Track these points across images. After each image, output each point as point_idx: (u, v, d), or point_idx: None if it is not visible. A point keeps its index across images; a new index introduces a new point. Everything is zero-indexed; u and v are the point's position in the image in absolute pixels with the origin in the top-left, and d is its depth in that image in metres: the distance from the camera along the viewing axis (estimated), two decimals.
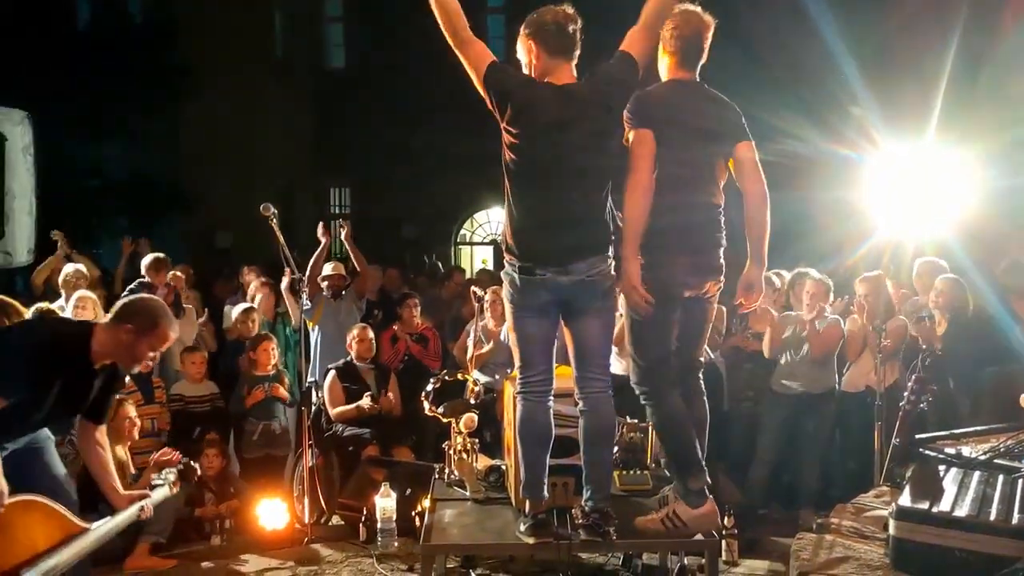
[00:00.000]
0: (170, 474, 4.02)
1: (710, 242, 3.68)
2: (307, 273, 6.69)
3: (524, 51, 3.60)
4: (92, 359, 3.67)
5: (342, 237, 7.46)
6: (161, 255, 7.14)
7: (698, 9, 3.69)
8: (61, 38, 15.01)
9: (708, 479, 3.74)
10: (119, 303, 3.78)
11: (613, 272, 3.62)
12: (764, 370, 6.33)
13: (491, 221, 20.05)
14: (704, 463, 3.74)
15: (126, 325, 3.62)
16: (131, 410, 5.64)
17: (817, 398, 6.04)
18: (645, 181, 3.51)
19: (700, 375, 3.87)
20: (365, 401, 6.35)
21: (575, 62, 3.59)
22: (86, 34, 16.61)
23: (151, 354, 3.71)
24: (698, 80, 3.72)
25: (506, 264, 3.63)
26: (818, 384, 6.03)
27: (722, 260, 3.72)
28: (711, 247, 3.68)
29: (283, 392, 6.47)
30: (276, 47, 18.51)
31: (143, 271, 7.03)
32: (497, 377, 6.37)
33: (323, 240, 7.02)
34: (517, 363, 3.73)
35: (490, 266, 16.04)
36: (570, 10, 3.56)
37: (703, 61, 3.72)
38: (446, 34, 3.51)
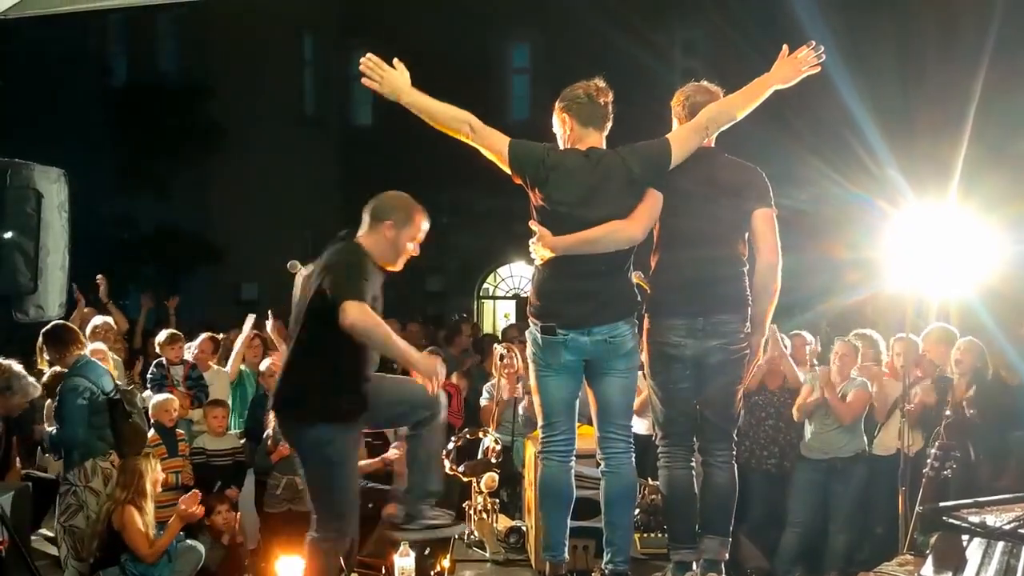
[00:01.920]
0: None
1: (716, 302, 3.63)
2: None
3: (559, 123, 3.72)
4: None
5: None
6: (174, 331, 7.09)
7: (705, 83, 3.77)
8: (98, 94, 15.46)
9: (694, 557, 3.72)
10: (372, 204, 3.85)
11: (636, 332, 3.66)
12: (787, 425, 6.26)
13: (514, 276, 20.13)
14: (722, 536, 3.73)
15: (386, 223, 3.74)
16: (156, 464, 5.67)
17: (847, 462, 5.97)
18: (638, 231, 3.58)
19: (732, 444, 3.79)
20: (391, 452, 6.35)
21: (606, 133, 3.68)
22: (121, 91, 17.08)
23: (411, 246, 3.81)
24: (715, 147, 3.77)
25: (530, 323, 3.69)
26: (847, 448, 5.97)
27: (736, 321, 3.65)
28: (716, 308, 3.63)
29: None
30: (305, 105, 18.90)
31: (157, 347, 6.96)
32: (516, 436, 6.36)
33: None
34: (540, 422, 3.75)
35: (513, 320, 16.06)
36: (602, 83, 3.68)
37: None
38: (459, 137, 3.62)
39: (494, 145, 3.61)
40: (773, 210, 3.70)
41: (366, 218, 3.80)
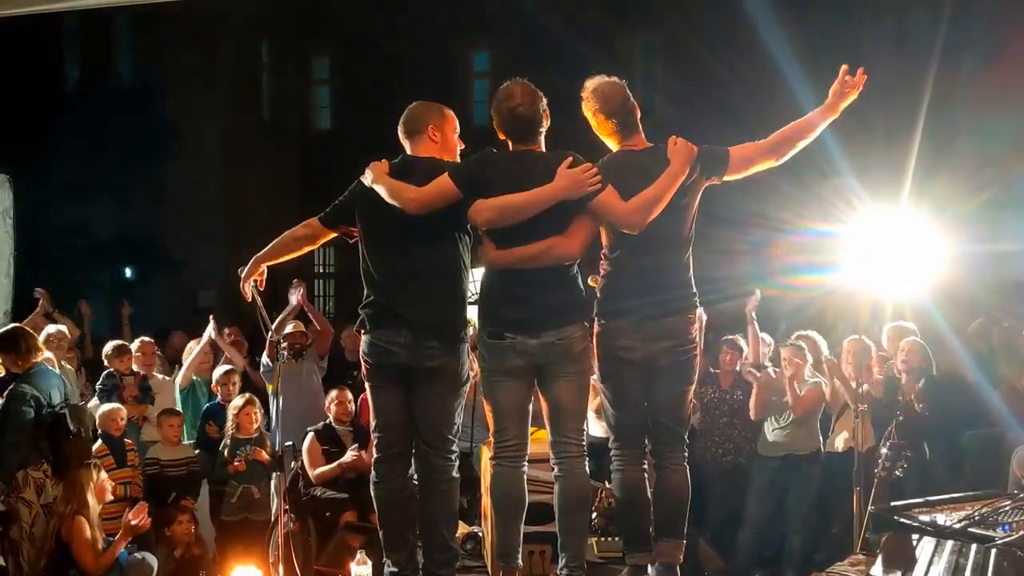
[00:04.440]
0: None
1: (665, 306, 3.63)
2: (270, 335, 6.12)
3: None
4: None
5: (298, 298, 7.20)
6: (121, 342, 6.97)
7: (605, 78, 3.70)
8: (50, 98, 15.17)
9: (649, 560, 3.72)
10: (404, 122, 3.90)
11: (587, 334, 3.64)
12: (742, 422, 6.28)
13: (475, 280, 20.01)
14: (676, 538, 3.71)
15: (429, 127, 3.82)
16: (99, 474, 5.54)
17: (802, 459, 6.03)
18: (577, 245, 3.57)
19: (684, 447, 3.78)
20: (348, 456, 6.27)
21: (541, 132, 3.66)
22: (75, 94, 16.79)
23: (456, 137, 3.91)
24: (650, 145, 3.72)
25: (479, 328, 3.67)
26: (803, 445, 6.03)
27: (682, 324, 3.65)
28: (665, 311, 3.63)
29: (265, 456, 6.38)
30: (263, 109, 18.71)
31: (104, 359, 6.83)
32: (473, 442, 6.32)
33: (293, 301, 6.92)
34: (491, 428, 3.72)
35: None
36: (518, 97, 3.61)
37: (639, 115, 3.70)
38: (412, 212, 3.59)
39: (439, 196, 3.57)
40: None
41: (409, 137, 3.85)
